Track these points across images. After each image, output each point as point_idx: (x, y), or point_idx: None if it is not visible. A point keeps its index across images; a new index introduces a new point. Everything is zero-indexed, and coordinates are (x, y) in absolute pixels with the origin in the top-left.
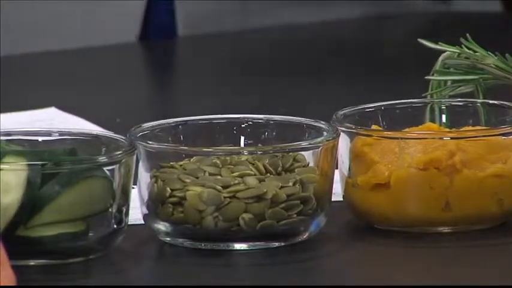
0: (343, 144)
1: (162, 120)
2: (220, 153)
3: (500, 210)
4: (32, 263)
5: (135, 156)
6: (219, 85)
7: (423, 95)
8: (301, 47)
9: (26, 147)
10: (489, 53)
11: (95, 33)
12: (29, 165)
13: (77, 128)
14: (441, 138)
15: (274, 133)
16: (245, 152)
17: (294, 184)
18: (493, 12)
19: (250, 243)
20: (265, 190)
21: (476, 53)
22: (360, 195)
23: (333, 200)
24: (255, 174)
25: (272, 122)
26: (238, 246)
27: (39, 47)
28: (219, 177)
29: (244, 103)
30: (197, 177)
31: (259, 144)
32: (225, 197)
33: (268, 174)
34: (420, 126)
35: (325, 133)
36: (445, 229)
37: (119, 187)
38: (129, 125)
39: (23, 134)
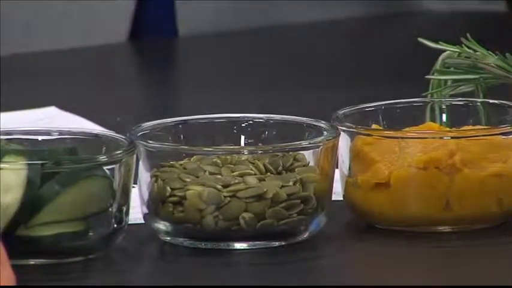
0: (344, 143)
1: (162, 120)
2: (221, 153)
3: (500, 209)
4: (32, 262)
5: (135, 156)
6: (219, 84)
7: (423, 94)
8: (301, 46)
9: (26, 147)
10: (489, 52)
11: (94, 33)
12: (28, 164)
13: (77, 127)
14: (441, 138)
15: (274, 132)
16: (245, 152)
17: (294, 183)
18: (494, 12)
19: (251, 242)
20: (265, 189)
21: (477, 53)
22: (360, 195)
23: (333, 199)
24: (255, 174)
25: (272, 122)
26: (239, 245)
27: (39, 47)
28: (219, 176)
29: (245, 102)
30: (197, 177)
31: (260, 144)
32: (225, 196)
33: (269, 173)
34: (420, 126)
35: (325, 132)
36: (446, 228)
37: (119, 186)
38: (129, 124)
39: (23, 133)
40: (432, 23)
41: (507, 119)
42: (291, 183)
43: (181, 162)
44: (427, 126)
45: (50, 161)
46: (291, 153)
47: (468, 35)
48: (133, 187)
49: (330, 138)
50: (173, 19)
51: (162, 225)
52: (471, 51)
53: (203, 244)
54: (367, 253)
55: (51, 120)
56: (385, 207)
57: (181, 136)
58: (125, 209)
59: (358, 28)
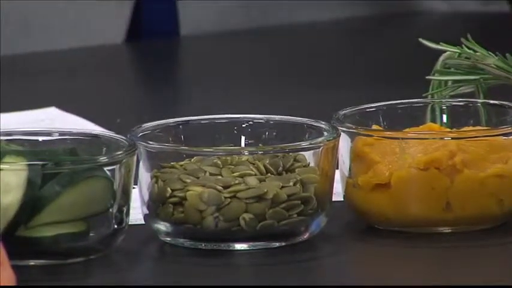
0: (344, 144)
1: (163, 120)
2: (221, 153)
3: (500, 210)
4: (32, 263)
5: (135, 157)
6: (219, 85)
7: (424, 95)
8: (302, 46)
9: (27, 147)
10: (490, 53)
11: (90, 33)
12: (29, 165)
13: (77, 128)
14: (442, 139)
15: (274, 133)
16: (246, 152)
17: (295, 184)
18: (495, 13)
19: (251, 243)
20: (265, 190)
21: (477, 53)
22: (360, 196)
23: (333, 200)
24: (255, 174)
25: (273, 122)
26: (239, 246)
27: (39, 48)
28: (219, 177)
29: (245, 103)
30: (198, 177)
31: (260, 144)
32: (225, 197)
33: (269, 174)
34: (421, 127)
35: (325, 133)
36: (446, 229)
37: (119, 187)
38: (129, 125)
39: (24, 134)
40: (432, 23)
41: (507, 120)
42: (291, 183)
43: (182, 163)
44: (427, 126)
45: (50, 162)
46: (291, 153)
47: (468, 35)
48: (134, 188)
49: (331, 138)
50: (175, 19)
51: (162, 226)
52: (471, 52)
53: (203, 245)
54: (367, 253)
55: (52, 121)
56: (386, 208)
57: (182, 137)
58: (125, 209)
59: (358, 28)
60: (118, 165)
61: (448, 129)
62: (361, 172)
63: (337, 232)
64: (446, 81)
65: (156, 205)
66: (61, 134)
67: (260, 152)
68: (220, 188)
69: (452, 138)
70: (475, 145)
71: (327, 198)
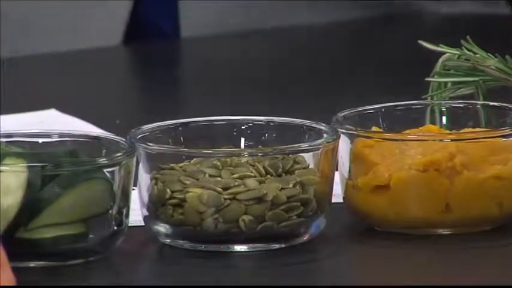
0: (344, 146)
1: (162, 122)
2: (221, 155)
3: (500, 212)
4: (32, 264)
5: (135, 158)
6: (219, 86)
7: (423, 96)
8: (302, 48)
9: (26, 149)
10: (489, 54)
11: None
12: (29, 167)
13: (77, 129)
14: (441, 140)
15: (274, 135)
16: (245, 154)
17: (294, 186)
18: (494, 14)
19: (251, 245)
20: (265, 192)
21: (477, 55)
22: (360, 197)
23: (333, 201)
24: (255, 176)
25: (272, 124)
26: (239, 248)
27: (39, 50)
28: (219, 179)
29: (245, 104)
30: (197, 179)
31: (260, 146)
32: (225, 199)
33: (269, 176)
34: (420, 128)
35: (325, 135)
36: (445, 231)
37: (119, 189)
38: (129, 126)
39: (23, 136)
40: (432, 25)
41: (507, 122)
42: (290, 185)
43: (181, 164)
44: (427, 128)
45: (50, 164)
46: (291, 155)
47: (468, 37)
48: (133, 189)
49: (330, 140)
50: (175, 20)
51: (162, 228)
52: (471, 53)
53: (203, 246)
54: (367, 255)
55: (52, 122)
56: (385, 210)
57: (181, 138)
58: (124, 211)
59: (358, 30)
60: (118, 167)
61: (448, 131)
62: (360, 174)
63: (336, 234)
64: (445, 83)
65: (156, 207)
66: (61, 135)
67: (260, 154)
68: (220, 189)
69: (451, 140)
70: (475, 147)
71: (326, 200)
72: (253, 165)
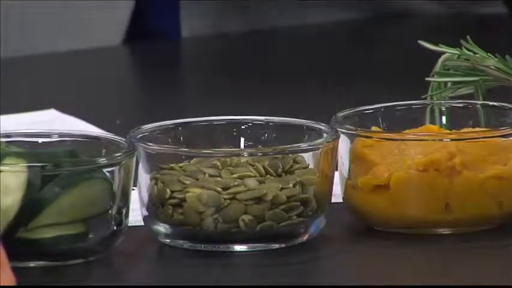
0: (343, 145)
1: (162, 122)
2: (220, 155)
3: (500, 211)
4: (32, 264)
5: (135, 158)
6: (218, 86)
7: (423, 96)
8: (302, 47)
9: (26, 149)
10: (489, 54)
11: (93, 34)
12: (28, 167)
13: (76, 129)
14: (441, 140)
15: (274, 135)
16: (245, 154)
17: (294, 186)
18: (494, 14)
19: (250, 244)
20: (265, 192)
21: (476, 55)
22: (359, 197)
23: (332, 201)
24: (255, 176)
25: (272, 124)
26: (238, 247)
27: (38, 50)
28: (219, 178)
29: (245, 104)
30: (197, 179)
31: (259, 146)
32: (224, 199)
33: (268, 175)
34: (420, 128)
35: (325, 135)
36: (445, 231)
37: (118, 189)
38: (129, 126)
39: (23, 136)
40: (432, 25)
41: (507, 121)
42: (290, 185)
43: (181, 164)
44: (426, 128)
45: (50, 164)
46: (290, 155)
47: (468, 37)
48: (133, 189)
49: (330, 140)
50: (176, 21)
51: (161, 228)
52: (471, 53)
53: (203, 246)
54: (366, 255)
55: (51, 122)
56: (385, 210)
57: (181, 138)
58: (124, 211)
59: (358, 30)
60: (117, 167)
61: (448, 131)
62: (360, 173)
63: (336, 233)
64: (445, 83)
65: (156, 207)
66: (60, 135)
67: (259, 154)
68: (220, 189)
69: (451, 140)
70: (475, 146)
71: (326, 199)
72: (253, 165)
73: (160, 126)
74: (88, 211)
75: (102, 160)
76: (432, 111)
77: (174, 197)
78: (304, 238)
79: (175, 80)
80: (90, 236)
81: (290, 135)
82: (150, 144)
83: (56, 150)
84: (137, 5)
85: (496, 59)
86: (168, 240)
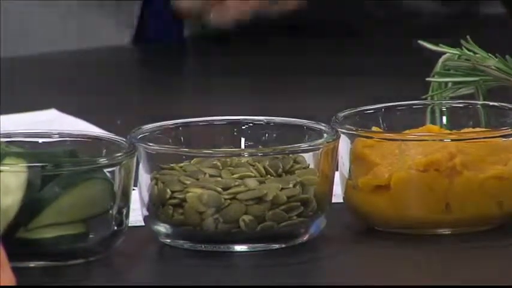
0: (344, 146)
1: (162, 122)
2: (221, 155)
3: (500, 212)
4: (32, 265)
5: (135, 158)
6: (218, 87)
7: (423, 96)
8: (302, 47)
9: (26, 149)
10: (489, 54)
11: (93, 35)
12: (29, 167)
13: (77, 129)
14: (441, 140)
15: (274, 135)
16: (245, 154)
17: (295, 186)
18: (494, 14)
19: (251, 245)
20: (265, 192)
21: (477, 55)
22: (360, 197)
23: (333, 201)
24: (255, 176)
25: (272, 124)
26: (239, 248)
27: (39, 50)
28: (219, 179)
29: (245, 104)
30: (197, 179)
31: (260, 146)
32: (225, 199)
33: (269, 176)
34: (420, 128)
35: (325, 135)
36: (445, 231)
37: (119, 189)
38: (129, 126)
39: (23, 136)
40: (432, 25)
41: (507, 122)
42: (291, 185)
43: (181, 164)
44: (427, 128)
45: (50, 164)
46: (291, 155)
47: (468, 37)
48: (134, 189)
49: (330, 140)
50: (179, 22)
51: (162, 228)
52: (471, 53)
53: (203, 246)
54: (367, 255)
55: (52, 122)
56: (385, 210)
57: (182, 138)
58: (125, 211)
59: (358, 30)
60: (118, 167)
61: (448, 131)
62: (361, 174)
63: (336, 234)
64: (446, 83)
65: (156, 207)
66: (61, 135)
67: (260, 154)
68: (220, 189)
69: (452, 140)
70: (475, 147)
71: (326, 199)
72: (254, 165)
73: (160, 126)
74: (88, 211)
75: (103, 160)
76: (433, 112)
77: (174, 197)
78: (305, 238)
79: (176, 80)
80: (91, 236)
81: (290, 136)
82: (151, 144)
83: (56, 150)
84: (142, 7)
85: (497, 59)
86: (168, 241)
